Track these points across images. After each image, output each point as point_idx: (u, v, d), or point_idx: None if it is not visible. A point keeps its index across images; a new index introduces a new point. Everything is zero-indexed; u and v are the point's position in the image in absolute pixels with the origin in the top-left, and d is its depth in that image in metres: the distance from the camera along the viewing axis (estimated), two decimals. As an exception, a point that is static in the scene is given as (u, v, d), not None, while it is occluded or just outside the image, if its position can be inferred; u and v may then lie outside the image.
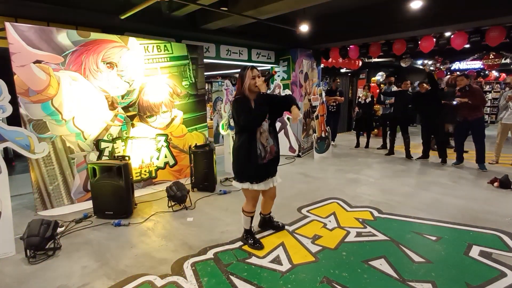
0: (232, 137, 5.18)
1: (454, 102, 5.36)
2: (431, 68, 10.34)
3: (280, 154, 2.82)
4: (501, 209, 3.63)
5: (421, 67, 10.82)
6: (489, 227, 3.17)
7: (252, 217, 2.82)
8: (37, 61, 3.49)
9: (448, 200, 3.98)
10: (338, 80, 8.23)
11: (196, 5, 4.13)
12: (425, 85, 5.80)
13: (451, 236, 3.02)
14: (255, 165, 2.56)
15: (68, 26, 4.17)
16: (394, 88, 7.00)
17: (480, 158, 5.31)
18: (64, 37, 3.65)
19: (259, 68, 3.06)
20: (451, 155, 5.88)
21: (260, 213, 3.12)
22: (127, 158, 3.75)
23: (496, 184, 4.44)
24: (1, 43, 3.70)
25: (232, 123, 5.17)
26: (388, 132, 7.10)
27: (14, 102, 2.72)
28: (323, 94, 6.76)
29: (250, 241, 2.81)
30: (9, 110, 2.63)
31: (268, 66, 7.49)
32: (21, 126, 3.37)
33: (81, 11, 3.93)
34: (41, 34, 3.50)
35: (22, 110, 3.45)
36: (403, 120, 6.38)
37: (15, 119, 3.33)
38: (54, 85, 3.62)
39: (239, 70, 2.63)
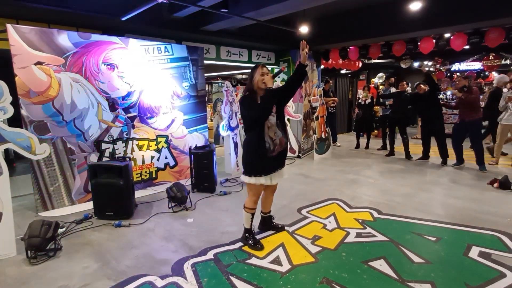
0: (233, 137, 5.20)
1: (449, 92, 5.32)
2: (431, 69, 10.29)
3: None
4: (500, 210, 3.64)
5: (418, 68, 10.79)
6: (488, 228, 3.17)
7: (253, 215, 2.83)
8: (38, 63, 3.50)
9: (448, 201, 3.99)
10: (331, 82, 8.27)
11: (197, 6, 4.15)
12: (422, 86, 5.79)
13: (451, 236, 3.03)
14: (264, 159, 2.62)
15: (69, 28, 4.19)
16: (393, 89, 7.01)
17: (480, 160, 5.32)
18: (65, 38, 3.67)
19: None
20: (452, 156, 5.88)
21: (261, 212, 3.13)
22: (127, 159, 3.76)
23: (495, 185, 4.45)
24: (3, 44, 3.72)
25: (232, 124, 5.18)
26: (388, 133, 7.10)
27: (15, 103, 2.74)
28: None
29: (250, 241, 2.82)
30: (11, 111, 2.65)
31: (270, 67, 7.51)
32: (22, 127, 3.38)
33: (82, 12, 3.95)
34: (42, 36, 3.52)
35: (23, 112, 3.46)
36: (401, 121, 6.39)
37: (15, 119, 3.34)
38: (55, 86, 3.63)
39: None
